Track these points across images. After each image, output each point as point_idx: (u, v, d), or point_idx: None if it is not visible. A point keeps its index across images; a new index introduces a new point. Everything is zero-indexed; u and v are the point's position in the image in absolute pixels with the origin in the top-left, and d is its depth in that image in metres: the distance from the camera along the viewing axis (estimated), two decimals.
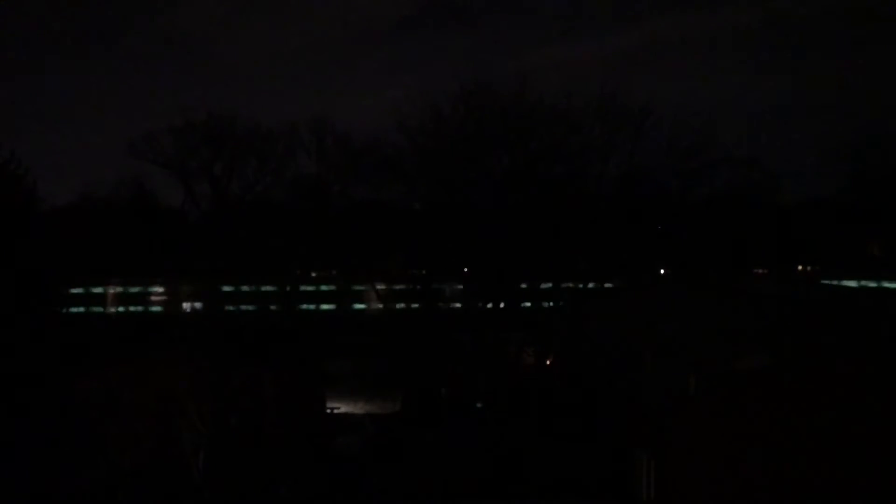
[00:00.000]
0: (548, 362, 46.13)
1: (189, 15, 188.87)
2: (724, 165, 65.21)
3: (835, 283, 65.84)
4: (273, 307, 63.76)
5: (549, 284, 51.80)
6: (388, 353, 49.39)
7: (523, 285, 51.87)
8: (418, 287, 60.83)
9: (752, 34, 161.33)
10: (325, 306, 71.34)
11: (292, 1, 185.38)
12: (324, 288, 76.44)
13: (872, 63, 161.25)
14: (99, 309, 62.91)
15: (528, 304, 50.55)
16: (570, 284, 53.59)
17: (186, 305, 55.41)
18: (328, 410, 39.97)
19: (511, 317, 47.09)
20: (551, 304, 50.89)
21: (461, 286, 56.57)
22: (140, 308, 60.92)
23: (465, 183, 57.08)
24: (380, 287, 66.17)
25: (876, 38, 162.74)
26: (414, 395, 44.06)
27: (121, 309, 61.97)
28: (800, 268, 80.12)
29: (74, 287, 53.80)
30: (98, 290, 64.78)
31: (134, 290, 64.78)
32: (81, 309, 59.59)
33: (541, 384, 41.79)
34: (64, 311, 43.94)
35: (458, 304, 54.44)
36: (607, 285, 59.82)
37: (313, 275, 77.91)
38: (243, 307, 62.12)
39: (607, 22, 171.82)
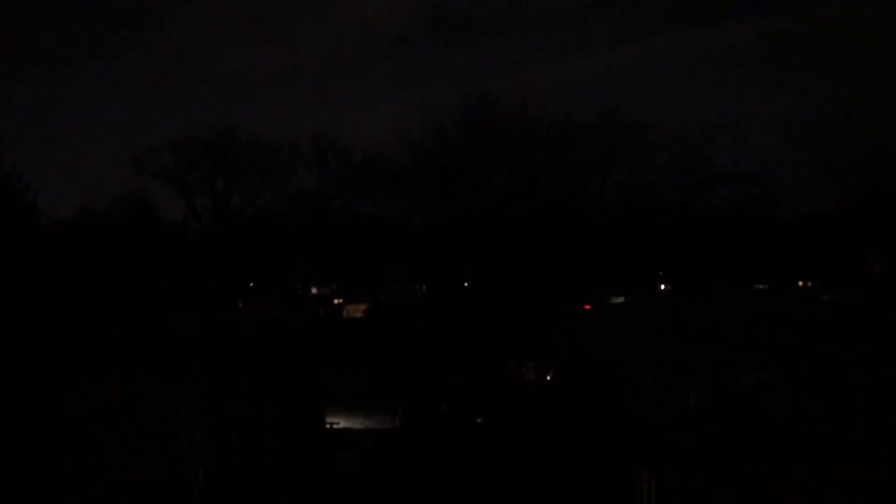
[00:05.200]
0: (548, 377, 46.13)
1: (190, 30, 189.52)
2: (723, 181, 65.44)
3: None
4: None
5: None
6: (388, 367, 49.33)
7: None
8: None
9: (751, 50, 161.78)
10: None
11: (293, 16, 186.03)
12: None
13: (872, 79, 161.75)
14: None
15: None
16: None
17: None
18: (328, 425, 39.87)
19: (512, 331, 47.15)
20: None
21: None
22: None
23: (466, 197, 57.36)
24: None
25: (875, 54, 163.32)
26: (414, 410, 44.01)
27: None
28: (800, 283, 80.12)
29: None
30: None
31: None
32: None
33: (541, 399, 41.78)
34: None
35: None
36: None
37: (314, 290, 77.94)
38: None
39: (607, 39, 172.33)
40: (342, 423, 41.20)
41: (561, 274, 51.06)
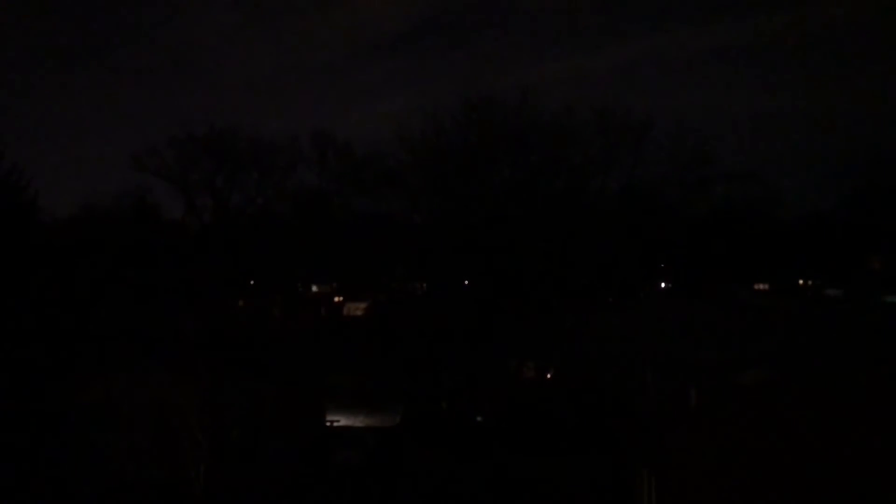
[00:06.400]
0: (548, 376, 46.11)
1: (192, 28, 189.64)
2: (723, 179, 65.49)
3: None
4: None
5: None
6: (388, 365, 49.35)
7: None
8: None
9: (751, 49, 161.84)
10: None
11: (294, 15, 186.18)
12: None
13: (871, 78, 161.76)
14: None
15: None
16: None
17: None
18: (328, 423, 39.90)
19: (512, 330, 47.12)
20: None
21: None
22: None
23: (466, 195, 57.30)
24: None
25: (875, 52, 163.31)
26: (414, 408, 44.00)
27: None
28: (800, 282, 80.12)
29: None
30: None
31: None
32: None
33: (541, 398, 41.77)
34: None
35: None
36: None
37: (315, 288, 77.93)
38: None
39: (607, 38, 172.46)
40: (343, 420, 41.23)
41: (561, 273, 51.01)
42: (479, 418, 41.58)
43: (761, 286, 74.37)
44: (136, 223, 67.59)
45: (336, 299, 76.39)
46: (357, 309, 71.38)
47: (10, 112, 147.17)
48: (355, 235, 67.71)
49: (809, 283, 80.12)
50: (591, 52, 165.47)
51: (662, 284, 71.18)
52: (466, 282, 58.17)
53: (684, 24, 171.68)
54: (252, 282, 71.98)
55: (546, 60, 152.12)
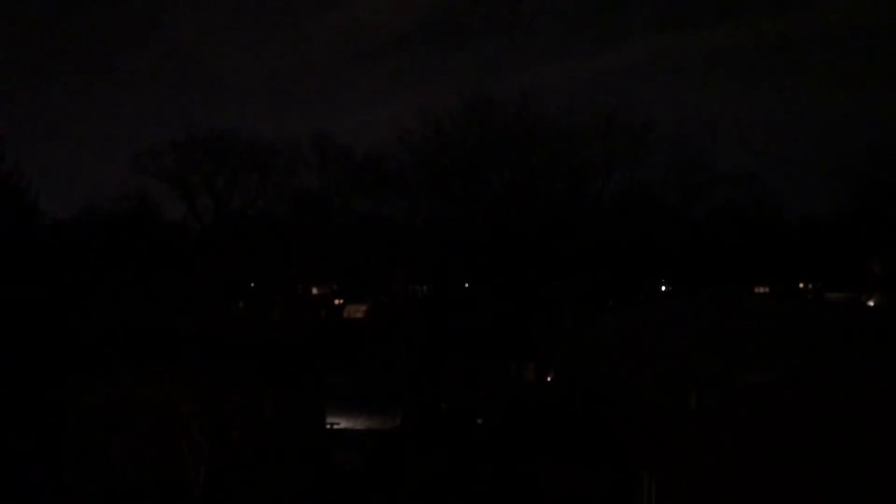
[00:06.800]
0: (549, 378, 46.12)
1: (192, 30, 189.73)
2: (724, 182, 65.56)
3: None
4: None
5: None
6: (388, 367, 49.37)
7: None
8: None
9: (751, 50, 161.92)
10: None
11: (294, 17, 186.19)
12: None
13: (872, 79, 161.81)
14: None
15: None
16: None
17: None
18: (328, 426, 39.90)
19: (512, 332, 47.15)
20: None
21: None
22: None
23: (467, 198, 57.38)
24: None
25: (875, 54, 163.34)
26: (414, 410, 44.01)
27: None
28: (801, 285, 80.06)
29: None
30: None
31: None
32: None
33: (542, 400, 41.77)
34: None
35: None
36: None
37: (315, 290, 77.95)
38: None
39: (607, 39, 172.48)
40: (343, 423, 41.23)
41: (562, 275, 51.06)
42: (479, 420, 41.58)
43: (762, 289, 74.26)
44: (137, 225, 67.65)
45: (336, 301, 76.42)
46: (357, 311, 71.39)
47: (10, 113, 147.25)
48: (355, 237, 67.76)
49: (810, 286, 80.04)
50: (591, 55, 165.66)
51: (663, 287, 71.19)
52: (467, 284, 58.22)
53: (685, 26, 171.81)
54: (252, 283, 72.03)
55: (547, 62, 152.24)
